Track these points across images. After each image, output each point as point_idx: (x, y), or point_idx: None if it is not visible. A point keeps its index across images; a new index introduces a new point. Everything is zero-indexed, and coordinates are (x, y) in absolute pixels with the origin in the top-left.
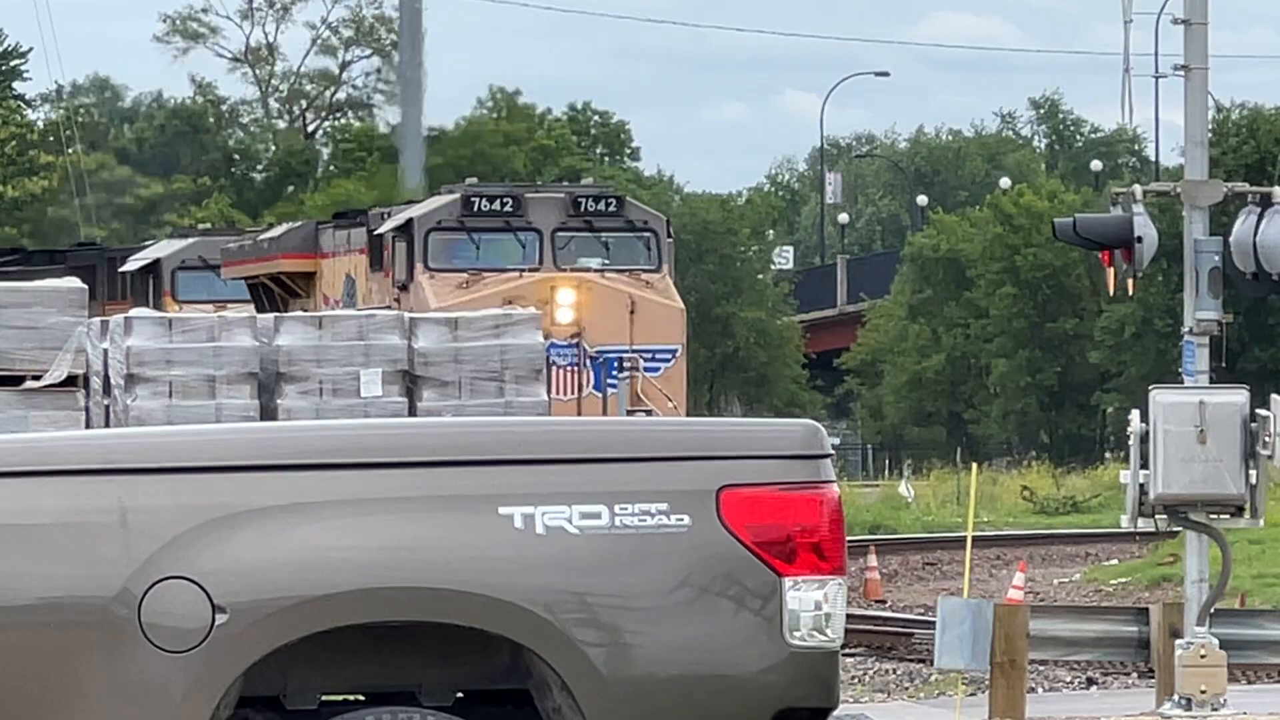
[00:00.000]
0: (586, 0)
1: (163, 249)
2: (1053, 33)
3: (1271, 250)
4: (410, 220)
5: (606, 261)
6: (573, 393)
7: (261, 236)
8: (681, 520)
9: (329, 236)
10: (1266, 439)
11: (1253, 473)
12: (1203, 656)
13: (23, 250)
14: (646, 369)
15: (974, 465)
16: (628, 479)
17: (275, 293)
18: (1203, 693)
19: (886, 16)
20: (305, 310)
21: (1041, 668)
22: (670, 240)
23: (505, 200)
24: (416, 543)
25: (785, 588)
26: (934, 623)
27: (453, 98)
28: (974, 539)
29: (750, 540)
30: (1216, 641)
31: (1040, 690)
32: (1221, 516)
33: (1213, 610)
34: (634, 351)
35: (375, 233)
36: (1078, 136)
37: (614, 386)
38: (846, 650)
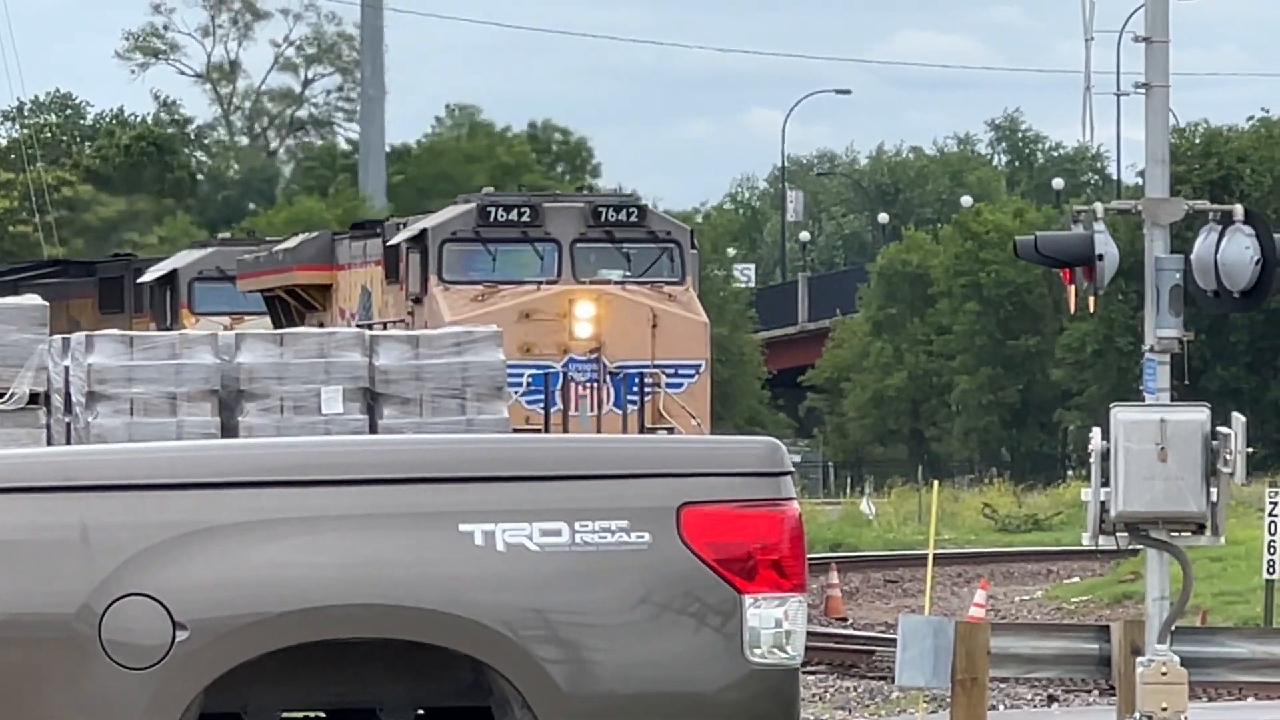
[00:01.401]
0: (553, 19)
1: (180, 260)
2: (1017, 50)
3: (1233, 268)
4: (424, 231)
5: (627, 273)
6: (592, 410)
7: (277, 248)
8: (642, 538)
9: (345, 248)
10: (1227, 457)
11: (1214, 490)
12: (1164, 674)
13: (62, 262)
14: (668, 385)
15: (935, 483)
16: (588, 496)
17: (291, 305)
18: (1164, 710)
19: (853, 35)
20: (322, 323)
21: (1003, 685)
22: (694, 251)
23: (522, 210)
24: (377, 560)
25: (745, 605)
26: (895, 640)
27: (415, 115)
28: (935, 556)
29: (711, 557)
30: (1178, 659)
31: (1001, 708)
32: (1182, 534)
33: (1174, 628)
34: (656, 367)
35: (390, 244)
36: (1038, 154)
37: (634, 403)
38: (808, 668)
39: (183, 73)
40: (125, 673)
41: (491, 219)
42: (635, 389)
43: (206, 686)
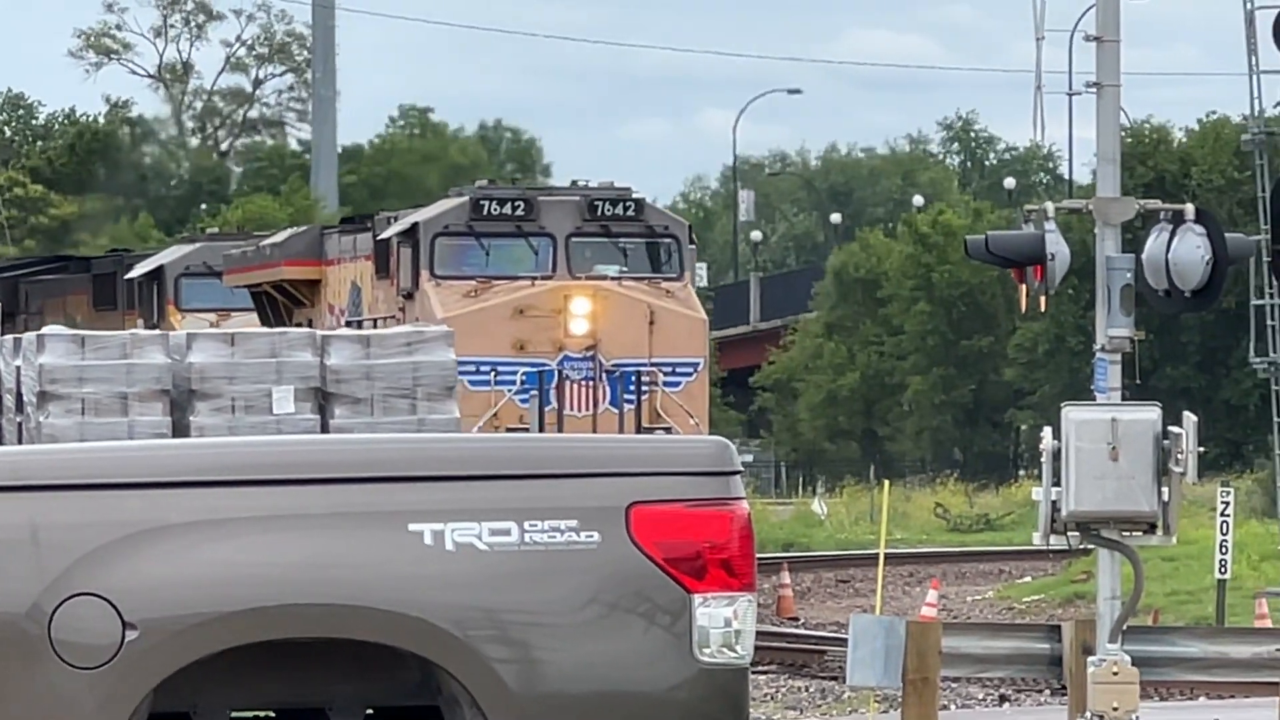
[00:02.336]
0: (505, 18)
1: (167, 255)
2: (972, 50)
3: (1184, 267)
4: (416, 225)
5: (624, 269)
6: (587, 409)
7: (264, 243)
8: (591, 537)
9: (334, 242)
10: (1179, 456)
11: (1165, 490)
12: (1115, 674)
13: (64, 258)
14: (666, 384)
15: (886, 483)
16: (537, 496)
17: (279, 301)
18: (1115, 710)
19: (808, 34)
20: (311, 320)
21: (954, 685)
22: (693, 247)
23: (516, 204)
24: (326, 559)
25: (695, 604)
26: (846, 640)
27: (367, 116)
28: (887, 556)
29: (660, 557)
30: (1129, 659)
31: (953, 707)
32: (1134, 534)
33: (1125, 627)
34: (653, 365)
35: (380, 238)
36: (990, 154)
37: (631, 402)
38: (759, 668)
39: (135, 73)
40: (75, 672)
41: (485, 212)
42: (632, 388)
43: (156, 686)
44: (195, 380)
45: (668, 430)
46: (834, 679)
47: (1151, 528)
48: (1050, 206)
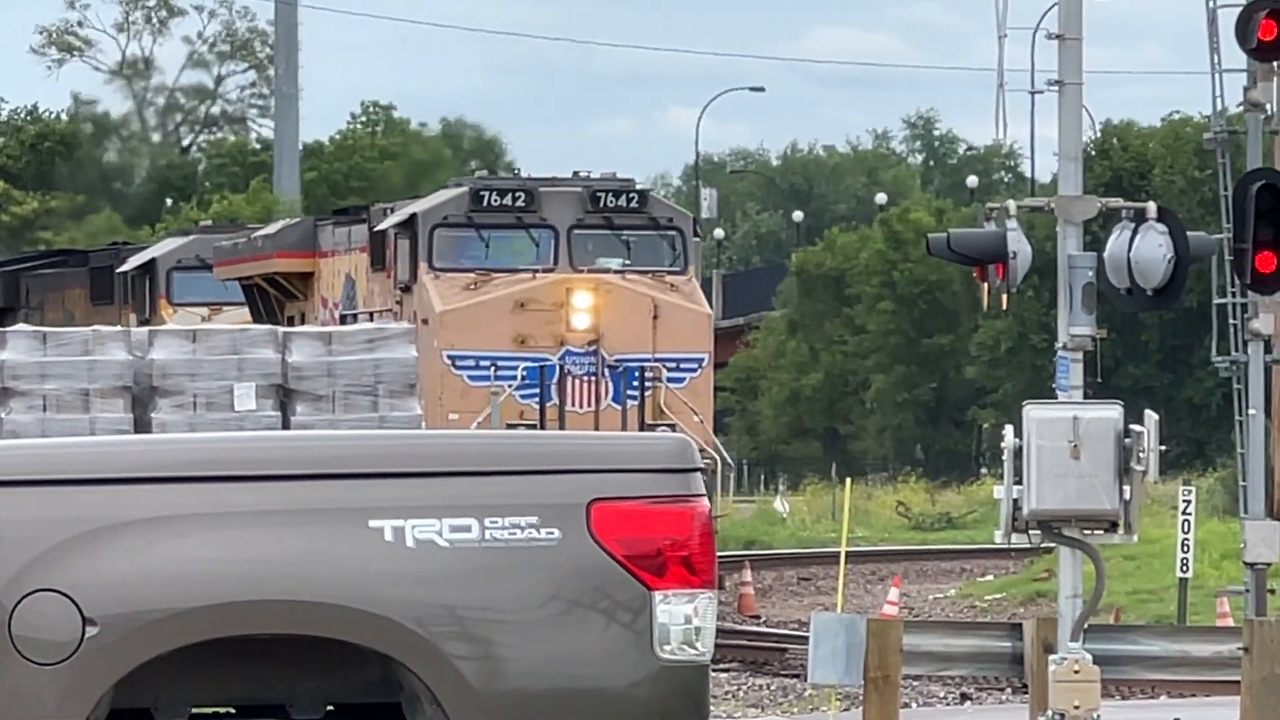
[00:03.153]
0: (469, 16)
1: (159, 248)
2: (938, 48)
3: (1146, 266)
4: (414, 216)
5: (627, 262)
6: (589, 405)
7: (256, 234)
8: (552, 534)
9: (328, 234)
10: (1141, 455)
11: (1126, 488)
12: (1076, 672)
13: (67, 251)
14: (670, 380)
15: (848, 480)
16: (498, 492)
17: (270, 295)
18: (1076, 708)
19: (774, 32)
20: (303, 314)
21: (915, 683)
22: (697, 240)
23: (517, 194)
24: (287, 555)
25: (655, 601)
26: (808, 638)
27: (331, 112)
28: (849, 554)
29: (620, 554)
30: (1090, 657)
31: (914, 705)
32: (1095, 532)
33: (1087, 626)
34: (657, 360)
35: (376, 229)
36: (954, 153)
37: (634, 398)
38: (720, 665)
39: (97, 69)
40: (35, 668)
41: (485, 204)
42: (635, 383)
43: (117, 682)
44: (157, 377)
45: (672, 428)
46: (795, 677)
47: (1113, 526)
48: (1012, 205)
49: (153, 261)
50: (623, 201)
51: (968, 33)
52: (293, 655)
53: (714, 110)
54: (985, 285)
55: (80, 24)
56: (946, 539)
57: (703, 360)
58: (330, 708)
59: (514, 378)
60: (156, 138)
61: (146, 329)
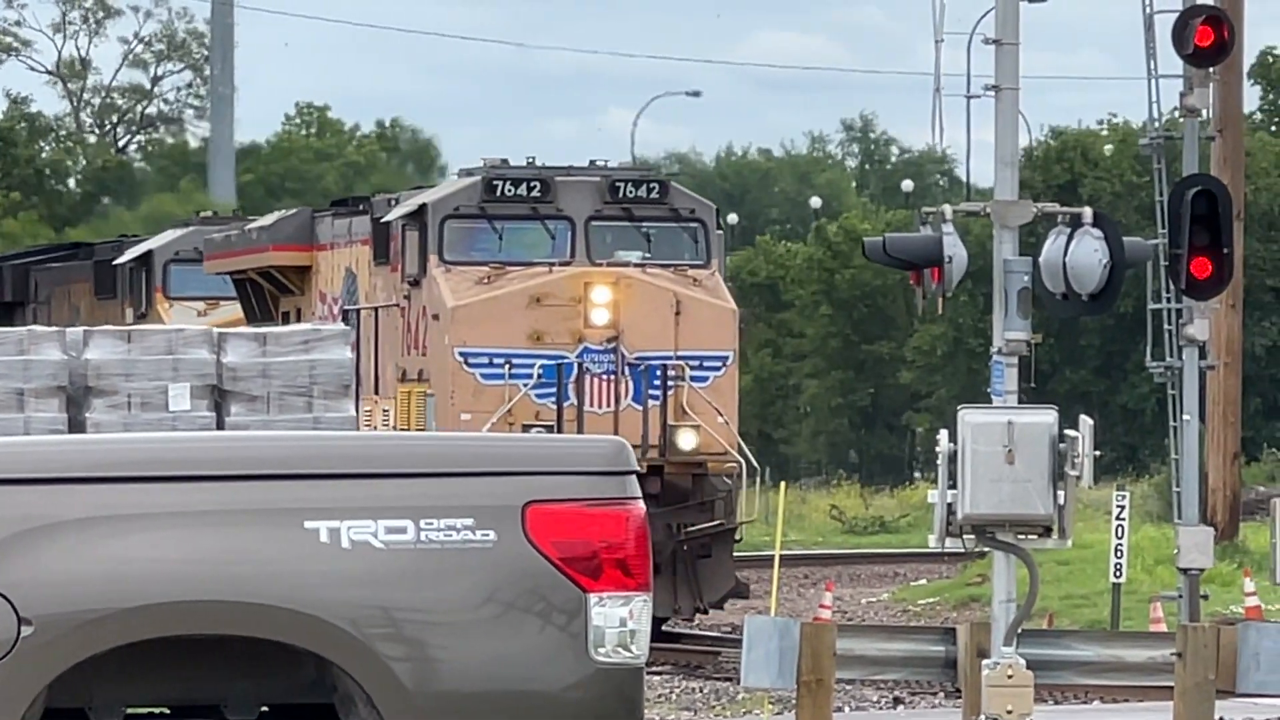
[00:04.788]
0: (407, 18)
1: (157, 240)
2: (880, 52)
3: (1081, 271)
4: (424, 206)
5: (648, 255)
6: (608, 405)
7: (250, 226)
8: (487, 535)
9: (326, 226)
10: (1075, 459)
11: (1061, 493)
12: (1010, 676)
13: (77, 245)
14: (693, 378)
15: (782, 484)
16: (434, 494)
17: (265, 289)
18: (1009, 713)
19: (715, 36)
20: (299, 309)
21: (848, 687)
22: (720, 232)
23: (532, 184)
24: (222, 556)
25: (590, 604)
26: (741, 641)
27: (269, 113)
28: (782, 558)
29: (556, 556)
30: (1023, 661)
31: (847, 710)
32: (1029, 537)
33: (1020, 630)
34: (679, 358)
35: (381, 220)
36: (889, 156)
37: (655, 398)
38: (654, 668)
39: (33, 69)
40: None
41: (498, 193)
42: (657, 382)
43: (51, 682)
44: (92, 377)
45: (695, 430)
46: (729, 680)
47: (1047, 531)
48: (948, 209)
49: (149, 254)
50: (643, 191)
51: (907, 37)
52: (228, 656)
53: (655, 114)
54: (920, 289)
55: (18, 23)
56: (880, 543)
57: (727, 358)
58: (265, 708)
59: (530, 376)
60: (92, 138)
61: (82, 329)
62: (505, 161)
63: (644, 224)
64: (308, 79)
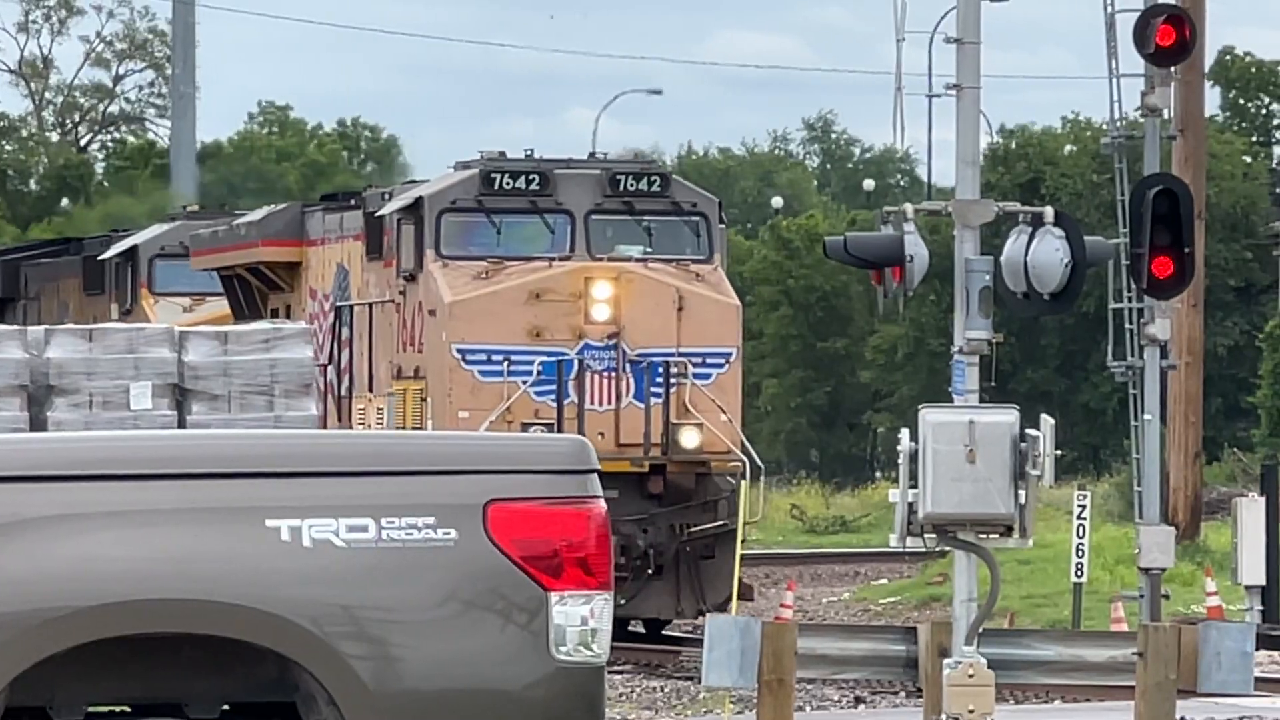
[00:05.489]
0: (369, 17)
1: (142, 235)
2: (843, 51)
3: (1043, 270)
4: (420, 199)
5: (649, 249)
6: (609, 403)
7: (238, 221)
8: (448, 534)
9: (317, 221)
10: (1036, 459)
11: (1022, 493)
12: (971, 676)
13: (68, 240)
14: (696, 375)
15: (743, 483)
16: (395, 492)
17: (253, 286)
18: (970, 712)
19: (679, 34)
20: (289, 306)
21: (809, 686)
22: (723, 226)
23: (531, 177)
24: (183, 554)
25: (551, 603)
26: (702, 640)
27: (231, 112)
28: (743, 557)
29: (517, 555)
30: (984, 661)
31: (808, 709)
32: (990, 536)
33: (981, 630)
34: (681, 355)
35: (375, 215)
36: (850, 155)
37: (658, 396)
38: (614, 667)
39: None
40: None
41: (496, 186)
42: (659, 379)
43: (11, 681)
44: (53, 375)
45: (699, 428)
46: (690, 679)
47: (1008, 530)
48: (909, 208)
49: (134, 249)
50: (644, 185)
51: (870, 36)
52: (189, 654)
53: (618, 113)
54: (881, 289)
55: None
56: (841, 542)
57: (730, 355)
58: (226, 707)
59: (529, 373)
60: (54, 137)
61: (44, 328)
62: (503, 154)
63: (645, 218)
64: (271, 78)
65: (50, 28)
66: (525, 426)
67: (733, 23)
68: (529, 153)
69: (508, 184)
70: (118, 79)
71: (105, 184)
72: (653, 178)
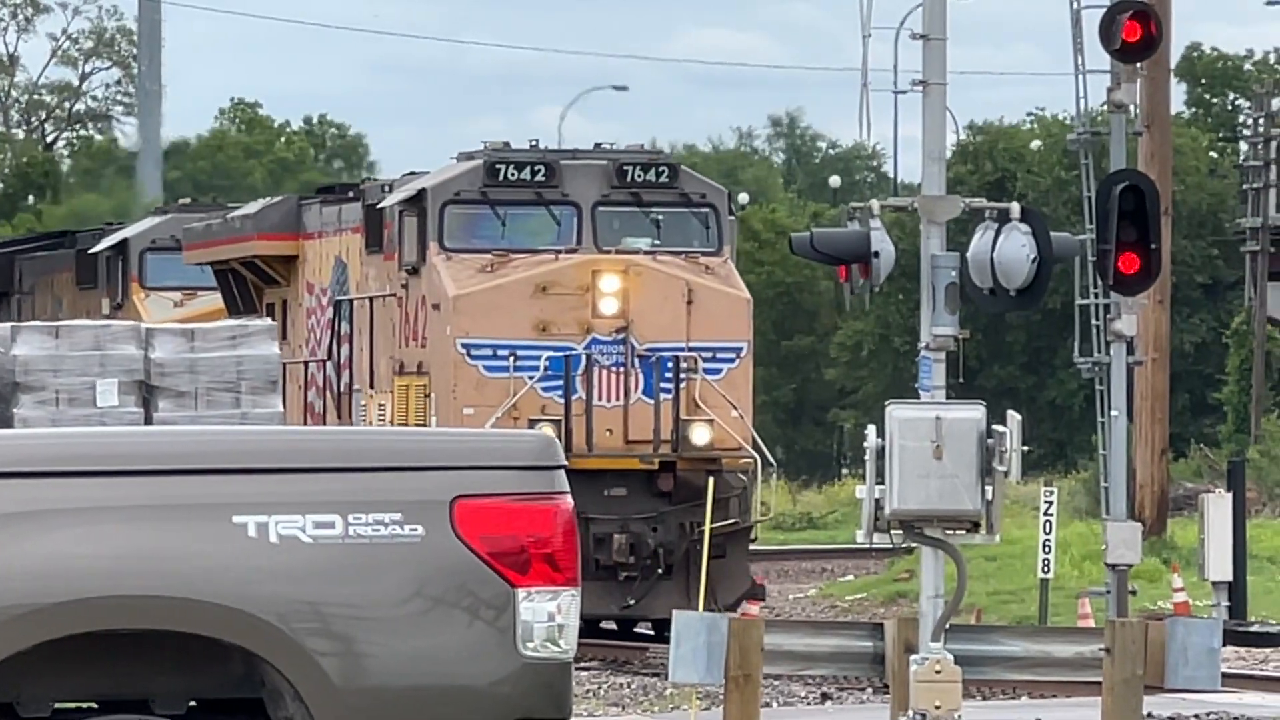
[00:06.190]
0: (337, 14)
1: (133, 228)
2: (812, 48)
3: (1009, 266)
4: (423, 191)
5: (657, 242)
6: (618, 398)
7: (233, 214)
8: (415, 530)
9: (314, 214)
10: (1003, 455)
11: (989, 489)
12: (937, 672)
13: (63, 234)
14: (706, 370)
15: (710, 480)
16: (362, 489)
17: (248, 280)
18: (937, 708)
19: (646, 32)
20: (285, 300)
21: (776, 682)
22: (732, 218)
23: (536, 168)
24: (150, 551)
25: (519, 599)
26: (669, 636)
27: (196, 110)
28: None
29: (484, 551)
30: (951, 657)
31: (775, 705)
32: (957, 532)
33: (948, 626)
34: (691, 350)
35: (376, 207)
36: (815, 153)
37: (667, 391)
38: (581, 664)
39: None
40: None
41: (501, 177)
42: (668, 374)
43: None
44: (20, 373)
45: (710, 424)
46: (656, 675)
47: (975, 526)
48: (875, 204)
49: (125, 242)
50: (651, 176)
51: (839, 33)
52: (156, 651)
53: (586, 110)
54: (848, 285)
55: None
56: (808, 539)
57: (741, 349)
58: (193, 703)
59: (535, 369)
60: (20, 134)
61: (9, 325)
62: (507, 144)
63: (653, 209)
64: (238, 75)
65: (17, 25)
66: (532, 424)
67: (700, 20)
68: (534, 143)
69: (512, 175)
70: (84, 77)
71: (72, 181)
72: (661, 168)
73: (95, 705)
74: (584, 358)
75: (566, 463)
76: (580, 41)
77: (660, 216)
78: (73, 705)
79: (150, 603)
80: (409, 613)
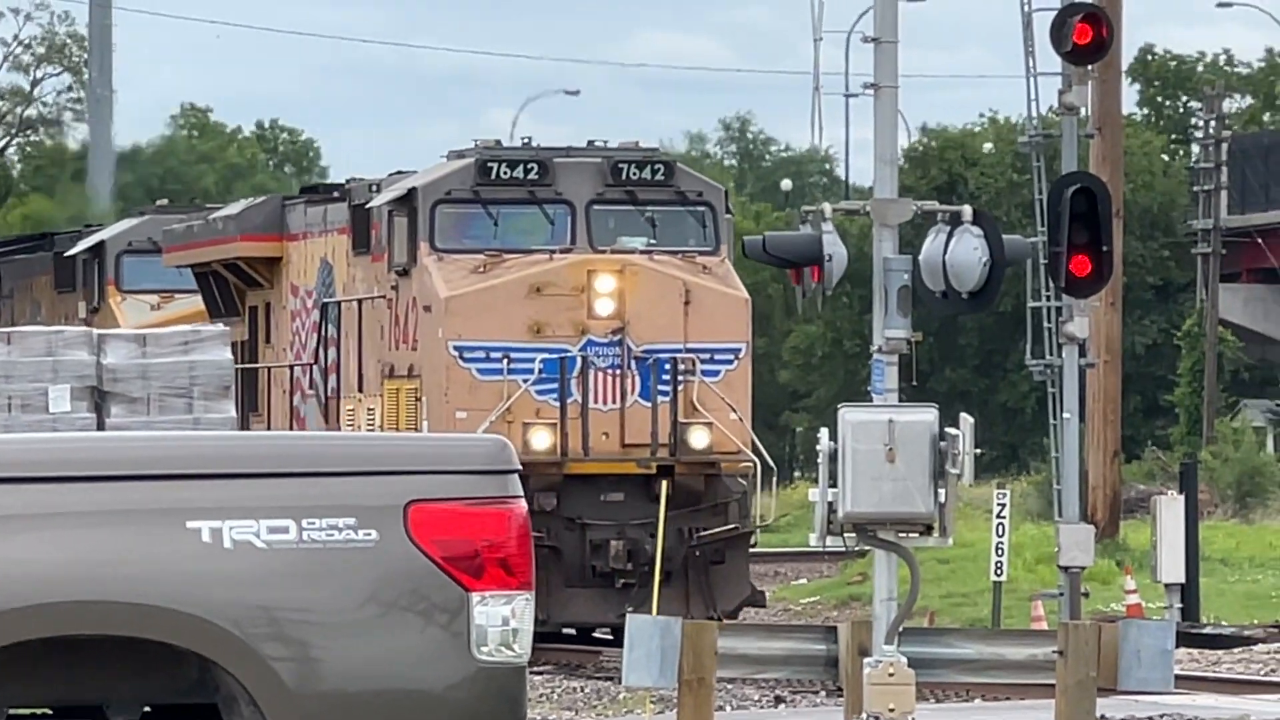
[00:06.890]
0: (287, 19)
1: (109, 230)
2: (765, 52)
3: (961, 269)
4: (413, 190)
5: (653, 241)
6: (614, 401)
7: (214, 216)
8: (369, 535)
9: (298, 214)
10: (956, 458)
11: (941, 492)
12: (891, 675)
13: (43, 236)
14: (704, 372)
15: (664, 483)
16: (315, 494)
17: (230, 282)
18: (891, 711)
19: (598, 36)
20: (268, 303)
21: (730, 686)
22: (729, 217)
23: (529, 166)
24: (103, 557)
25: (473, 603)
26: (622, 641)
27: (147, 116)
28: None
29: (438, 555)
30: (905, 660)
31: (729, 708)
32: (910, 535)
33: (901, 629)
34: (689, 351)
35: (364, 207)
36: (767, 156)
37: (664, 394)
38: (535, 668)
39: None
40: None
41: (493, 176)
42: (666, 376)
43: None
44: None
45: (708, 427)
46: (610, 679)
47: (928, 529)
48: (828, 207)
49: (101, 245)
50: (646, 173)
51: (791, 36)
52: (110, 656)
53: (539, 114)
54: (800, 288)
55: None
56: (761, 542)
57: (740, 350)
58: (147, 709)
59: (530, 371)
60: None
61: None
62: (498, 142)
63: (649, 208)
64: (190, 80)
65: None
66: (527, 427)
67: (652, 24)
68: (526, 141)
69: (505, 173)
70: (35, 83)
71: (24, 186)
72: (656, 166)
73: (50, 711)
74: (579, 360)
75: (520, 467)
76: (532, 45)
77: (656, 215)
78: (27, 711)
79: (105, 608)
80: (363, 617)
